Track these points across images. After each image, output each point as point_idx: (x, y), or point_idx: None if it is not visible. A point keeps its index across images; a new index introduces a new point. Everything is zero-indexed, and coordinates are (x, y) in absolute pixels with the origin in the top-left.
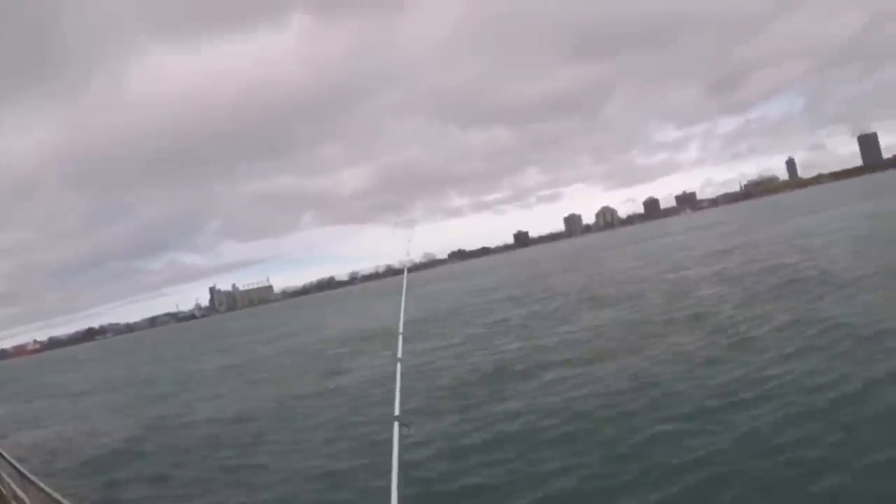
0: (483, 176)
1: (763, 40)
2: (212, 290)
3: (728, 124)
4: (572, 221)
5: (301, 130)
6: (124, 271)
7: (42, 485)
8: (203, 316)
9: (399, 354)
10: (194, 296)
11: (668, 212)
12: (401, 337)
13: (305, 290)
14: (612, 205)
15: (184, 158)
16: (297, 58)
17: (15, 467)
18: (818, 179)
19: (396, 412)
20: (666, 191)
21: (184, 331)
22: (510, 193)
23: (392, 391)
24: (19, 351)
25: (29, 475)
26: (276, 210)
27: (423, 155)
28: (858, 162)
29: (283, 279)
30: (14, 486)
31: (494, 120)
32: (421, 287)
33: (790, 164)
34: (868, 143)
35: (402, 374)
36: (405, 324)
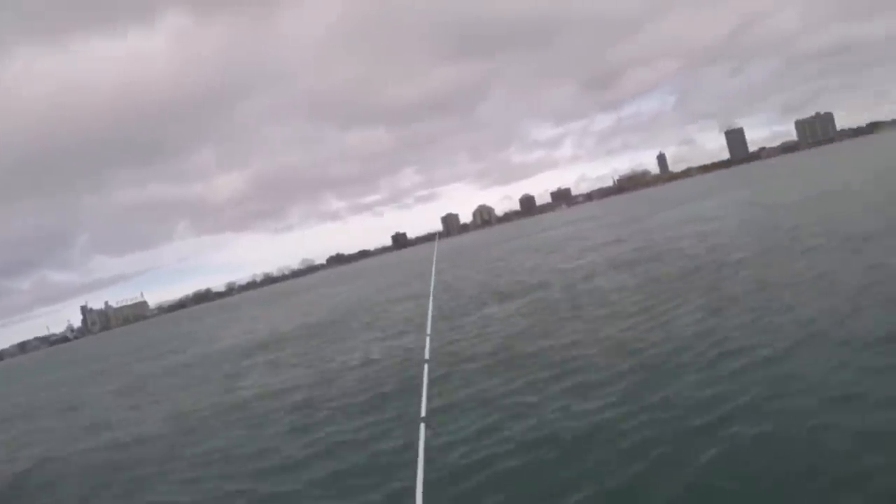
0: (360, 178)
1: (636, 41)
2: (83, 310)
3: (603, 121)
4: (450, 220)
5: (174, 135)
6: None
7: None
8: (76, 337)
9: (426, 356)
10: (65, 316)
11: (544, 208)
12: (428, 338)
13: (182, 304)
14: (489, 203)
15: (50, 167)
16: (170, 58)
17: None
18: (688, 173)
19: (423, 413)
20: (542, 187)
21: (59, 354)
22: (388, 195)
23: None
24: None
25: None
26: (149, 221)
27: (300, 158)
28: (726, 155)
29: (158, 294)
30: None
31: (372, 121)
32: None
33: (661, 158)
34: (735, 138)
35: (428, 375)
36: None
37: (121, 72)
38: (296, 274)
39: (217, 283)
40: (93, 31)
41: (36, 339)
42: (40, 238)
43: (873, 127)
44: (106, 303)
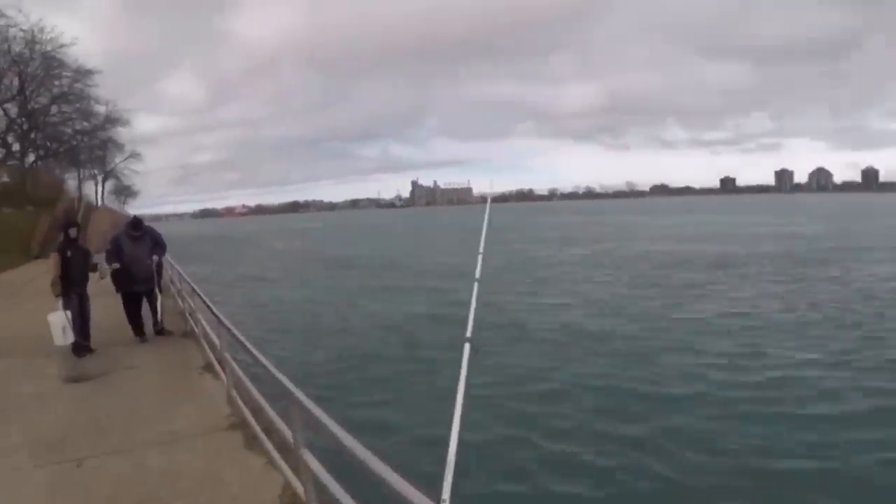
0: (710, 112)
1: None
2: (414, 184)
3: None
4: (783, 176)
5: (534, 38)
6: (338, 153)
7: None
8: (403, 206)
9: (477, 275)
10: (395, 186)
11: (885, 186)
12: (480, 256)
13: (504, 198)
14: (831, 167)
15: (415, 54)
16: None
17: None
18: None
19: (468, 333)
20: (894, 163)
21: (401, 217)
22: (732, 135)
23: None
24: (229, 212)
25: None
26: (495, 115)
27: (656, 81)
28: None
29: (484, 183)
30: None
31: (737, 55)
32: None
33: None
34: None
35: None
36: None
37: None
38: (617, 195)
39: (540, 186)
40: None
41: (367, 199)
42: (393, 114)
43: None
44: (435, 182)
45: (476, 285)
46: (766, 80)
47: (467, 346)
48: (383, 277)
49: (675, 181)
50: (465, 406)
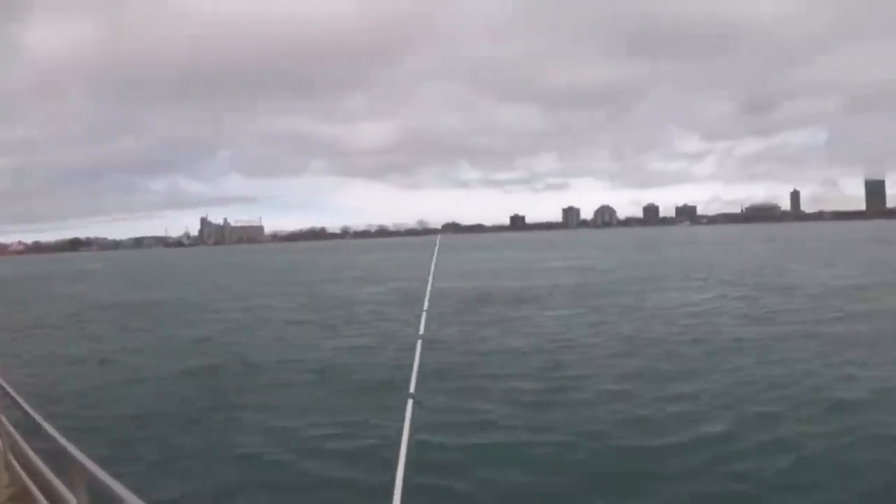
0: (501, 153)
1: (805, 71)
2: (203, 221)
3: (749, 145)
4: (570, 213)
5: (330, 75)
6: (124, 186)
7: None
8: (191, 245)
9: (420, 331)
10: (183, 223)
11: (666, 221)
12: (424, 314)
13: (295, 237)
14: (615, 204)
15: (209, 83)
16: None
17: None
18: (820, 216)
19: (412, 390)
20: (671, 200)
21: (188, 256)
22: (522, 175)
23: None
24: (2, 250)
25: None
26: (287, 151)
27: (448, 122)
28: (862, 205)
29: (275, 221)
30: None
31: (527, 99)
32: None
33: (794, 195)
34: (874, 189)
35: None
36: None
37: (294, 4)
38: (410, 232)
39: (333, 225)
40: None
41: (153, 237)
42: (185, 146)
43: None
44: (225, 219)
45: (419, 343)
46: (555, 124)
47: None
48: (171, 324)
49: (467, 219)
50: None
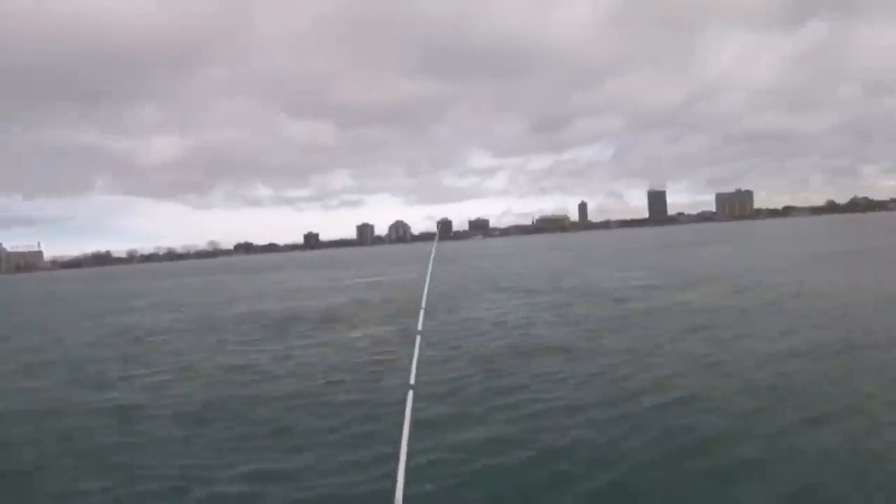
0: (293, 170)
1: (595, 93)
2: None
3: (540, 161)
4: (365, 230)
5: (122, 82)
6: None
7: None
8: None
9: (419, 327)
10: None
11: (460, 234)
12: (422, 311)
13: (78, 263)
14: (410, 220)
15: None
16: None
17: None
18: (607, 224)
19: (412, 381)
20: (465, 214)
21: None
22: (315, 192)
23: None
24: None
25: None
26: (70, 168)
27: (241, 138)
28: (645, 214)
29: (57, 247)
30: None
31: (322, 116)
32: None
33: (582, 206)
34: (656, 199)
35: (418, 347)
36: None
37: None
38: (200, 255)
39: (119, 248)
40: None
41: None
42: None
43: (788, 210)
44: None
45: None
46: (349, 141)
47: None
48: None
49: (260, 238)
50: None
